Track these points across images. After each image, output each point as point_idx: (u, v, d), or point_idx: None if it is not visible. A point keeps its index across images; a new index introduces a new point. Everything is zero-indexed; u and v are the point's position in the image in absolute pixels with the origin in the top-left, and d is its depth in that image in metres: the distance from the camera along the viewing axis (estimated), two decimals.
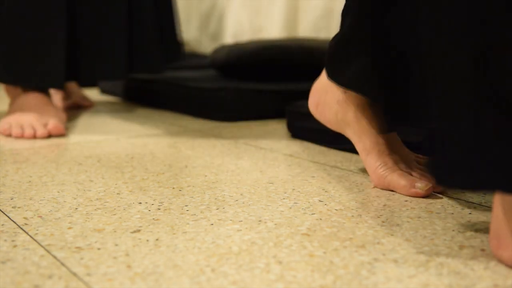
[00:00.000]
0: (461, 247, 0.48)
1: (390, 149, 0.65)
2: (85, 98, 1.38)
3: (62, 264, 0.45)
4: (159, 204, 0.60)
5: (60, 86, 1.09)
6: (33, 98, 1.04)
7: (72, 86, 1.34)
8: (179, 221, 0.54)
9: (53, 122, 0.99)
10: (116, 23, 1.13)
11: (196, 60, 1.84)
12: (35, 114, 1.01)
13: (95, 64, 1.13)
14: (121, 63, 1.14)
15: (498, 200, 0.45)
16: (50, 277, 0.42)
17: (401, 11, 0.54)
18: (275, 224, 0.54)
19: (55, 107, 1.06)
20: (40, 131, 0.97)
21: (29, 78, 1.05)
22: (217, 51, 1.41)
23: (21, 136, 0.96)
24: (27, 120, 0.99)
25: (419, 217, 0.55)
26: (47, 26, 1.04)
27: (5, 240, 0.50)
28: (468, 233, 0.51)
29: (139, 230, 0.52)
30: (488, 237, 0.47)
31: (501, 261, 0.45)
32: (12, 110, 1.04)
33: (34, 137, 0.96)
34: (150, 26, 1.18)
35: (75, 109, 1.33)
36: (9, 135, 0.97)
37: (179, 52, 1.35)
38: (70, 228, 0.53)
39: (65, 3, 1.05)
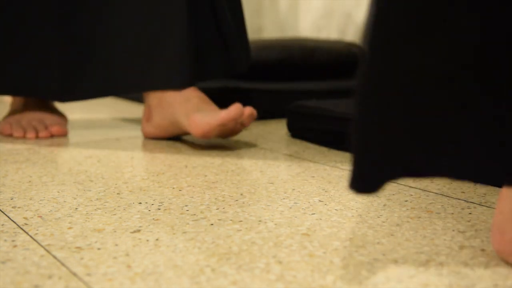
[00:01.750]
0: (461, 247, 0.48)
1: None
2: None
3: (62, 264, 0.45)
4: (159, 204, 0.60)
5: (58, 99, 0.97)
6: (31, 102, 1.03)
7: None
8: (179, 221, 0.54)
9: (55, 123, 1.00)
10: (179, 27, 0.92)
11: None
12: (37, 114, 1.01)
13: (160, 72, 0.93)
14: (184, 70, 0.93)
15: (505, 194, 0.45)
16: (50, 277, 0.42)
17: None
18: (275, 224, 0.54)
19: (55, 107, 1.06)
20: (43, 132, 0.97)
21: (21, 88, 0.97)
22: None
23: (23, 137, 0.96)
24: (29, 120, 0.99)
25: (419, 217, 0.55)
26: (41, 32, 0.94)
27: (5, 240, 0.50)
28: (468, 233, 0.51)
29: (139, 230, 0.52)
30: (490, 231, 0.47)
31: (502, 257, 0.45)
32: (13, 109, 1.04)
33: (36, 137, 0.96)
34: (213, 27, 0.98)
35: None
36: (10, 135, 0.97)
37: (240, 59, 1.04)
38: (70, 228, 0.53)
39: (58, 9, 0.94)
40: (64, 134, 0.99)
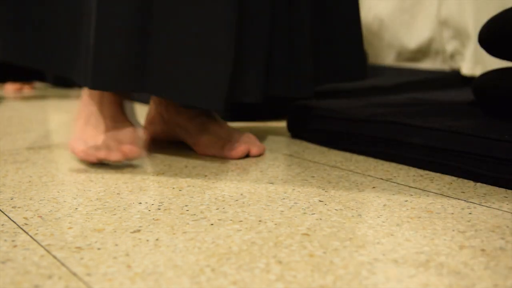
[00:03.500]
0: (461, 247, 0.48)
1: None
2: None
3: (62, 264, 0.45)
4: (159, 204, 0.60)
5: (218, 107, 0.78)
6: (109, 107, 0.83)
7: None
8: (179, 221, 0.55)
9: (128, 142, 0.79)
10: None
11: None
12: (110, 130, 0.80)
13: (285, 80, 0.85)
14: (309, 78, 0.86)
15: None
16: (50, 277, 0.42)
17: None
18: (275, 224, 0.54)
19: (129, 118, 0.86)
20: (115, 155, 0.76)
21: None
22: None
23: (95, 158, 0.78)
24: (102, 138, 0.79)
25: (419, 217, 0.55)
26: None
27: (5, 240, 0.50)
28: (468, 233, 0.51)
29: (139, 230, 0.52)
30: None
31: None
32: (84, 115, 0.83)
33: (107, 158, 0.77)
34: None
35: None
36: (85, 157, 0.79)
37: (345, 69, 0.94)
38: (70, 228, 0.53)
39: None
40: (138, 156, 0.78)
